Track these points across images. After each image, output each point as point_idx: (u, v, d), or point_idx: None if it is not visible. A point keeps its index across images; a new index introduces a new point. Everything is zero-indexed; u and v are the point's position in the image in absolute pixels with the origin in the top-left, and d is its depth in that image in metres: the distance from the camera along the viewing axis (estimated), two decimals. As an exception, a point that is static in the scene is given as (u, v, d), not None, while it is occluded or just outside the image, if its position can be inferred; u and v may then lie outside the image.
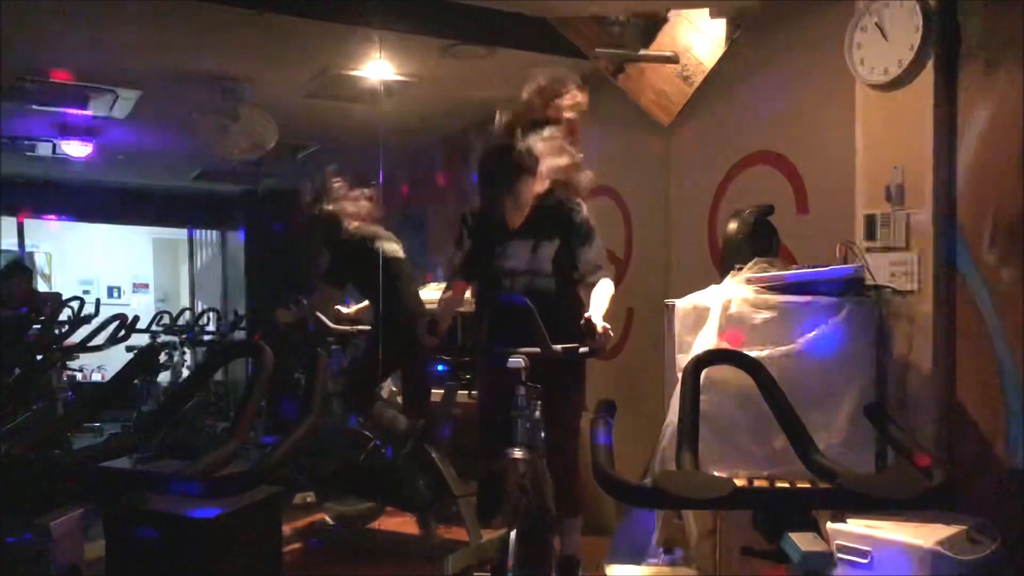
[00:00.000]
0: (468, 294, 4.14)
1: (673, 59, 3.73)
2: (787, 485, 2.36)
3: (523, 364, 2.61)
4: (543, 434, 2.74)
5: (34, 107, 4.98)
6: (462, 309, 3.91)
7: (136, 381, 5.21)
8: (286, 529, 3.82)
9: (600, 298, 2.80)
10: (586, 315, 2.67)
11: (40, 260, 9.28)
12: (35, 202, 7.94)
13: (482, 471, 2.87)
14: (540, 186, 2.92)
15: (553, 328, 2.65)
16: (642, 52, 3.76)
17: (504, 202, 2.88)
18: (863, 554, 2.28)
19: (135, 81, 4.66)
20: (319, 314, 4.18)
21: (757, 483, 2.46)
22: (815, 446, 1.55)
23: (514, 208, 2.90)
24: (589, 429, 1.53)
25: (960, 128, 2.64)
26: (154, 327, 6.41)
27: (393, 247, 4.08)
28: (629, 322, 4.16)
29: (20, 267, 6.51)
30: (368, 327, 4.18)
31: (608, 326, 2.65)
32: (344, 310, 4.35)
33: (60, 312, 5.44)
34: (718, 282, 2.77)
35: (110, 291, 9.66)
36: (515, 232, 2.93)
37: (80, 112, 5.12)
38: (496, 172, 2.87)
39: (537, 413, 2.70)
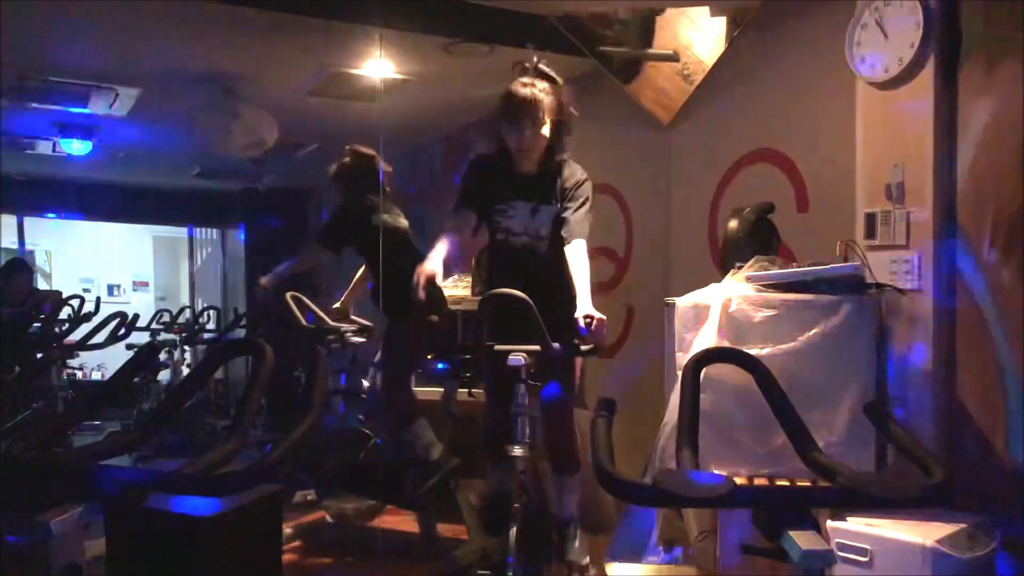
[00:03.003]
0: (468, 293, 4.15)
1: (673, 57, 3.73)
2: (787, 483, 2.37)
3: (523, 362, 2.60)
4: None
5: (34, 105, 4.98)
6: (462, 308, 3.91)
7: (136, 379, 5.21)
8: (286, 527, 3.82)
9: (581, 279, 2.78)
10: (585, 315, 2.65)
11: (40, 258, 9.29)
12: (35, 200, 7.94)
13: (489, 489, 2.86)
14: (547, 131, 2.90)
15: (549, 302, 2.64)
16: (643, 50, 3.76)
17: (525, 133, 2.84)
18: (863, 552, 2.29)
19: (135, 79, 4.66)
20: (315, 308, 4.15)
21: (757, 481, 2.46)
22: (815, 444, 1.56)
23: (531, 143, 2.87)
24: (589, 427, 1.53)
25: (960, 126, 2.64)
26: (154, 325, 6.40)
27: (398, 218, 4.00)
28: (629, 320, 4.17)
29: (20, 265, 6.50)
30: (370, 323, 4.18)
31: (604, 318, 2.64)
32: (335, 306, 4.34)
33: (60, 310, 5.44)
34: (718, 280, 2.77)
35: (110, 289, 9.66)
36: (517, 192, 2.91)
37: (80, 110, 5.12)
38: (529, 97, 2.82)
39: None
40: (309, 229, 8.23)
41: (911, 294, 2.67)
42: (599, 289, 2.85)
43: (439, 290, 3.78)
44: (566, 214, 2.88)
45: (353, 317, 4.29)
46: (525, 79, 2.87)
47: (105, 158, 6.51)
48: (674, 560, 3.08)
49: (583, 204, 2.90)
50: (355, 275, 4.27)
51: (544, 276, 2.84)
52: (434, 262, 2.75)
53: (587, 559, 3.01)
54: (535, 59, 2.93)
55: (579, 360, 3.07)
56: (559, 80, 2.93)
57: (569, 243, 2.83)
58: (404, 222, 4.03)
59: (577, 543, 3.01)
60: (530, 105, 2.81)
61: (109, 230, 9.46)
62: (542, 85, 2.85)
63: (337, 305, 4.34)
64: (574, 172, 2.97)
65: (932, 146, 2.64)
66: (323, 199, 8.11)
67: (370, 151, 4.02)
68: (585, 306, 2.64)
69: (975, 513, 2.36)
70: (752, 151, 3.50)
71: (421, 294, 2.68)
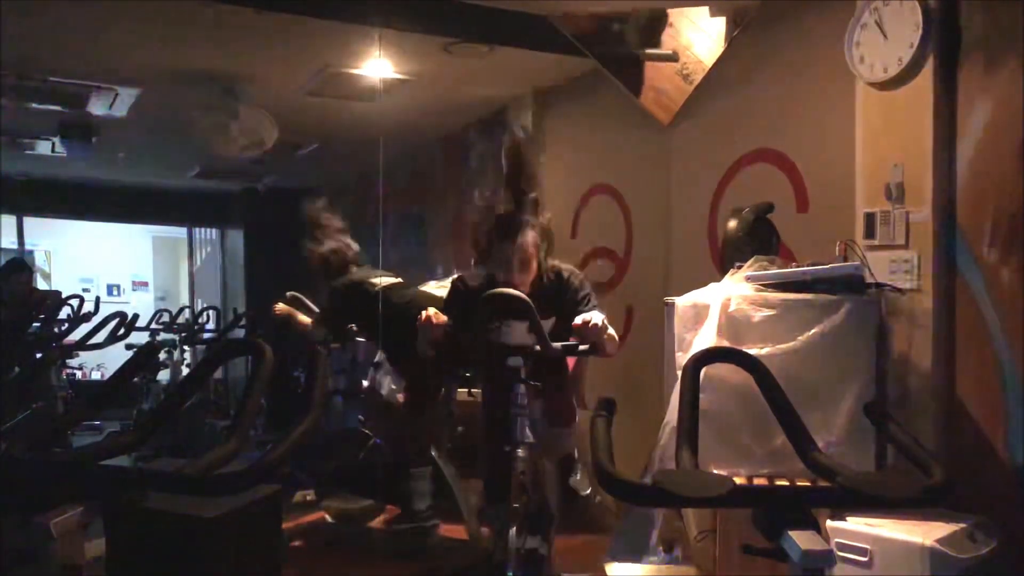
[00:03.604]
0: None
1: (673, 57, 3.73)
2: (787, 483, 2.37)
3: (523, 363, 2.61)
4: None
5: (33, 105, 4.98)
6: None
7: (136, 379, 5.22)
8: (286, 527, 3.82)
9: None
10: (583, 319, 2.66)
11: (40, 258, 9.29)
12: (35, 200, 7.94)
13: (487, 462, 2.86)
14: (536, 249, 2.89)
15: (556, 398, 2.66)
16: (642, 50, 3.76)
17: (513, 260, 2.83)
18: (863, 552, 2.29)
19: (135, 79, 4.66)
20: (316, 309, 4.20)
21: (757, 481, 2.46)
22: (815, 444, 1.56)
23: (522, 268, 2.86)
24: (589, 427, 1.54)
25: (960, 126, 2.64)
26: (153, 325, 6.41)
27: (389, 278, 4.09)
28: (629, 320, 4.17)
29: (20, 265, 6.50)
30: None
31: (598, 324, 2.63)
32: None
33: (60, 310, 5.44)
34: (718, 280, 2.77)
35: (110, 289, 9.67)
36: (510, 313, 2.87)
37: (79, 110, 5.12)
38: (510, 224, 2.82)
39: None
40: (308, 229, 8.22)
41: (911, 294, 2.67)
42: (598, 289, 2.85)
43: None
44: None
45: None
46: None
47: (105, 158, 6.50)
48: (674, 560, 3.08)
49: (591, 302, 2.89)
50: None
51: (550, 382, 2.81)
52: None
53: (590, 490, 3.00)
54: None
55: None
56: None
57: None
58: (394, 277, 4.10)
59: (579, 475, 3.01)
60: (521, 256, 2.81)
61: (109, 230, 9.47)
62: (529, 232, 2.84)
63: None
64: (571, 277, 2.95)
65: (931, 146, 2.64)
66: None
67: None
68: (588, 314, 2.65)
69: (975, 513, 2.36)
70: (752, 151, 3.50)
71: (434, 334, 2.72)
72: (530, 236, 2.82)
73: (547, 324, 2.84)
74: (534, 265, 2.87)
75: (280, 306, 4.24)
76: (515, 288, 2.76)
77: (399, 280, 4.13)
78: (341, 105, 4.98)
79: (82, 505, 1.41)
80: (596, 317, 2.65)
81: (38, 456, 1.38)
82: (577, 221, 4.60)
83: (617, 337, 2.78)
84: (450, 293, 3.08)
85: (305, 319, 4.24)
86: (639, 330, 4.11)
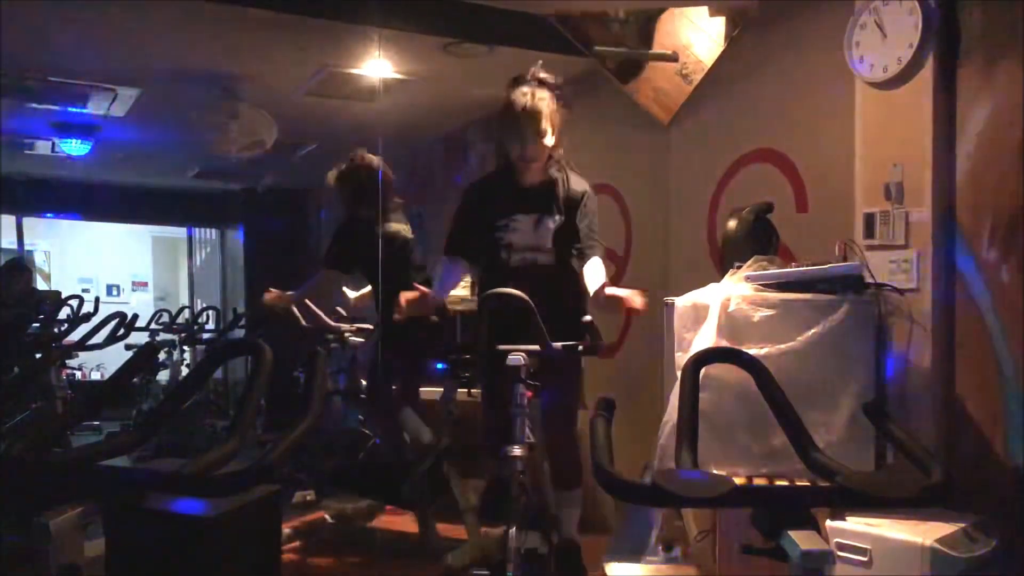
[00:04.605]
0: (468, 292, 4.14)
1: (672, 57, 3.73)
2: (786, 483, 2.37)
3: (523, 362, 2.61)
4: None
5: (33, 105, 4.98)
6: (461, 308, 3.91)
7: (135, 380, 5.22)
8: (285, 527, 3.82)
9: (596, 276, 2.79)
10: (606, 291, 2.68)
11: (39, 258, 9.30)
12: (35, 200, 7.94)
13: (490, 474, 2.88)
14: (551, 141, 2.89)
15: (554, 311, 2.65)
16: (642, 50, 3.76)
17: (528, 143, 2.84)
18: (862, 552, 2.29)
19: (135, 79, 4.66)
20: (316, 309, 4.16)
21: (756, 481, 2.46)
22: (814, 444, 1.56)
23: (535, 153, 2.86)
24: (588, 427, 1.54)
25: (959, 126, 2.64)
26: (153, 325, 6.41)
27: (401, 226, 4.03)
28: (628, 320, 4.17)
29: (20, 265, 6.51)
30: (370, 326, 4.18)
31: (623, 295, 2.66)
32: (351, 293, 4.33)
33: (59, 310, 5.45)
34: (717, 280, 2.77)
35: (109, 289, 9.68)
36: (519, 206, 2.90)
37: (79, 110, 5.12)
38: (531, 108, 2.82)
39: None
40: (308, 229, 8.25)
41: (910, 294, 2.67)
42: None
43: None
44: (582, 227, 2.88)
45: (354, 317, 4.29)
46: (524, 88, 2.85)
47: (104, 158, 6.50)
48: (674, 560, 3.08)
49: (594, 216, 2.91)
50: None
51: (548, 290, 2.80)
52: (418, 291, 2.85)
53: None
54: (534, 69, 2.92)
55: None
56: (558, 83, 2.92)
57: (587, 259, 2.84)
58: (408, 232, 4.04)
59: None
60: (532, 115, 2.82)
61: (108, 230, 9.48)
62: (542, 94, 2.84)
63: (355, 295, 4.32)
64: (580, 182, 2.97)
65: (931, 146, 2.64)
66: (321, 200, 8.13)
67: (375, 159, 4.02)
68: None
69: (975, 513, 2.36)
70: (751, 151, 3.50)
71: (398, 316, 2.80)
72: (544, 98, 2.83)
73: (551, 221, 2.88)
74: (547, 131, 2.85)
75: (269, 293, 4.15)
76: (528, 162, 2.86)
77: (408, 233, 4.05)
78: (341, 105, 4.98)
79: (82, 505, 1.40)
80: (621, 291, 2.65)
81: (38, 456, 1.38)
82: (577, 221, 4.60)
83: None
84: (462, 202, 3.07)
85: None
86: (639, 330, 4.11)
